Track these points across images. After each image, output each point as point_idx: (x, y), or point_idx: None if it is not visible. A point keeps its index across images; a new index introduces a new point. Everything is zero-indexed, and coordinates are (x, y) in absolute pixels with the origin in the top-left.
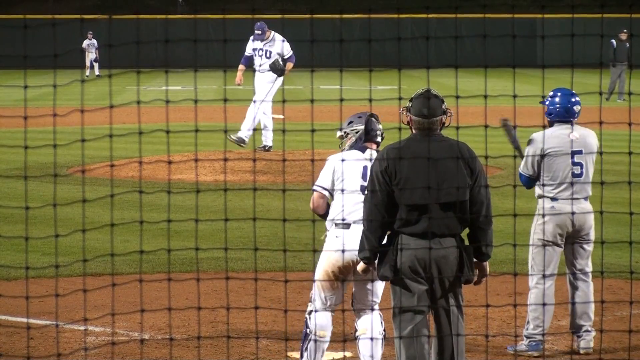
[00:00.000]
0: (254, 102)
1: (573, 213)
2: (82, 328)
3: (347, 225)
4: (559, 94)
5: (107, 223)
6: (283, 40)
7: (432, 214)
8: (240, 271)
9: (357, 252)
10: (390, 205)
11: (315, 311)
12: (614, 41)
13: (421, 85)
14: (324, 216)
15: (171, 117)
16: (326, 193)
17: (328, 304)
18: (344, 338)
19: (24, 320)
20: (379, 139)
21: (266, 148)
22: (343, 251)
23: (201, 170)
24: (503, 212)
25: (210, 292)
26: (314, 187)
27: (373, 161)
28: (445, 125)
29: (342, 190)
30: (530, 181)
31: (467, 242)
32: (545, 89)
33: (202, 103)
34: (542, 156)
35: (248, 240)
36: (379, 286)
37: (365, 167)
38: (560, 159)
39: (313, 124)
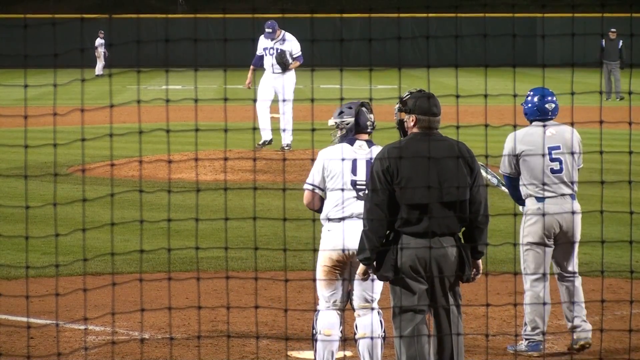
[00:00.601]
0: (282, 102)
1: (573, 213)
2: (82, 327)
3: (339, 220)
4: (534, 94)
5: (107, 222)
6: (292, 40)
7: (433, 213)
8: (241, 270)
9: (351, 246)
10: (391, 204)
11: (320, 310)
12: (603, 41)
13: (421, 85)
14: (320, 211)
15: (171, 117)
16: (317, 190)
17: (331, 301)
18: (344, 338)
19: (24, 319)
20: (369, 129)
21: (266, 143)
22: (343, 250)
23: (201, 169)
24: (503, 212)
25: (210, 291)
26: (305, 185)
27: (374, 160)
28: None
29: (342, 189)
30: (511, 180)
31: (462, 241)
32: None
33: (202, 102)
34: (517, 156)
35: (248, 239)
36: (377, 282)
37: (354, 161)
38: (535, 157)
39: (313, 123)
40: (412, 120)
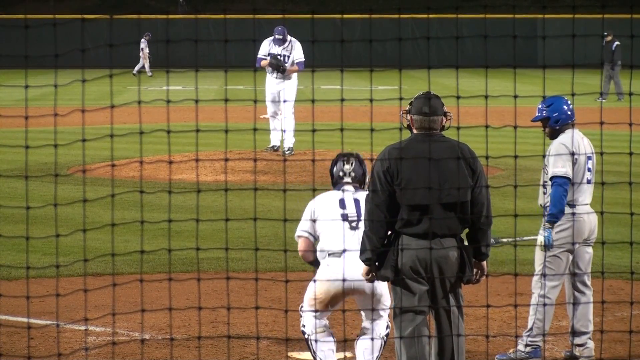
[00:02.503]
0: (282, 105)
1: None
2: (83, 328)
3: (338, 255)
4: (557, 99)
5: (107, 223)
6: (299, 47)
7: (434, 214)
8: (241, 271)
9: (351, 277)
10: (391, 205)
11: (314, 341)
12: (604, 41)
13: (422, 86)
14: (313, 263)
15: (172, 117)
16: (309, 236)
17: (321, 326)
18: (344, 338)
19: (25, 320)
20: (346, 179)
21: (275, 148)
22: (344, 280)
23: (202, 170)
24: (504, 213)
25: (210, 292)
26: (298, 233)
27: (375, 161)
28: (445, 127)
29: (334, 221)
30: (568, 184)
31: (465, 242)
32: (546, 89)
33: (203, 103)
34: (574, 159)
35: (249, 240)
36: (383, 298)
37: (341, 199)
38: (581, 164)
39: (314, 124)
40: (410, 121)
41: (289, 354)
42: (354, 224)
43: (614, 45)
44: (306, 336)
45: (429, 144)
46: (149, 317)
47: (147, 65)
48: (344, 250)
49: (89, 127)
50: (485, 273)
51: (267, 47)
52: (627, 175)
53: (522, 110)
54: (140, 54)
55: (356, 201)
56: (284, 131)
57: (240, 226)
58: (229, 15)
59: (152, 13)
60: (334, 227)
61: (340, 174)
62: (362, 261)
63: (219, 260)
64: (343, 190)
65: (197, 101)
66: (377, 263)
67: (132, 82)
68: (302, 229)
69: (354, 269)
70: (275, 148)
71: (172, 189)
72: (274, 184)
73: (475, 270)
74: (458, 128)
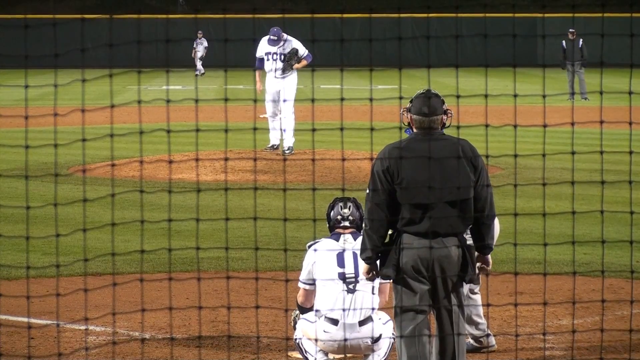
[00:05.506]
0: (282, 104)
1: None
2: (83, 328)
3: (334, 322)
4: None
5: (107, 222)
6: (294, 42)
7: (435, 213)
8: (241, 271)
9: (351, 336)
10: (392, 204)
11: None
12: (564, 42)
13: (422, 85)
14: (311, 309)
15: (172, 117)
16: (308, 287)
17: (320, 355)
18: (344, 338)
19: (25, 319)
20: (345, 223)
21: (274, 147)
22: (345, 340)
23: (202, 169)
24: (504, 212)
25: (210, 291)
26: (299, 284)
27: (374, 160)
28: (446, 125)
29: (330, 280)
30: None
31: (468, 239)
32: (546, 88)
33: (203, 103)
34: None
35: (249, 239)
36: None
37: (341, 253)
38: None
39: (314, 124)
40: (410, 120)
41: (289, 353)
42: (351, 286)
43: (580, 42)
44: (297, 341)
45: (429, 142)
46: (149, 317)
47: (199, 64)
48: (343, 312)
49: (89, 127)
50: (490, 266)
51: (263, 47)
52: (627, 174)
53: (521, 109)
54: (192, 53)
55: (355, 256)
56: (284, 130)
57: (240, 225)
58: (228, 15)
59: (152, 13)
60: (330, 288)
61: (339, 217)
62: (363, 260)
63: (219, 260)
64: (343, 242)
65: (197, 101)
66: (378, 262)
67: (132, 81)
68: (303, 279)
69: (351, 334)
70: (275, 147)
71: (172, 188)
72: (274, 184)
73: (479, 263)
74: (458, 127)
